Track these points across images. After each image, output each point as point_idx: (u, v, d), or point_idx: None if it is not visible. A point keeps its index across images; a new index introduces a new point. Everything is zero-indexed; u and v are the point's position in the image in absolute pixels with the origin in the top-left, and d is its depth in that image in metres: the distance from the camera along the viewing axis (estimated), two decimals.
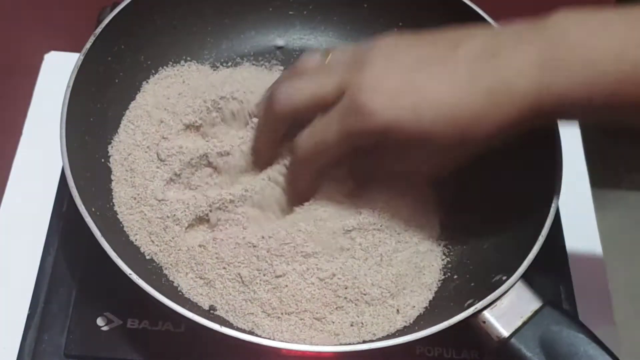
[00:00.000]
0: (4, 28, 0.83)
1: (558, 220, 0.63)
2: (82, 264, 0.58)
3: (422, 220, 0.57)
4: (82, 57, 0.57)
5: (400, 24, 0.68)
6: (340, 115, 0.50)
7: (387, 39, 0.52)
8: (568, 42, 0.46)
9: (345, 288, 0.53)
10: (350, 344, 0.51)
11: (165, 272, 0.54)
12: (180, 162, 0.57)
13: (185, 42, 0.66)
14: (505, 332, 0.48)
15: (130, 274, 0.48)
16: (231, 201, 0.55)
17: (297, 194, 0.56)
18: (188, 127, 0.58)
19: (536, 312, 0.49)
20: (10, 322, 0.57)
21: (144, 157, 0.58)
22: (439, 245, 0.57)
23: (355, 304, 0.53)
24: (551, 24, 0.47)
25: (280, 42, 0.69)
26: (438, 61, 0.49)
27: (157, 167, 0.57)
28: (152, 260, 0.55)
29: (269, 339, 0.50)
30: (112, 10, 0.61)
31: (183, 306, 0.48)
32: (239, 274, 0.53)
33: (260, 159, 0.57)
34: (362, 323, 0.52)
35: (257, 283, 0.52)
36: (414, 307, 0.54)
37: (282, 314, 0.52)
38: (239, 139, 0.57)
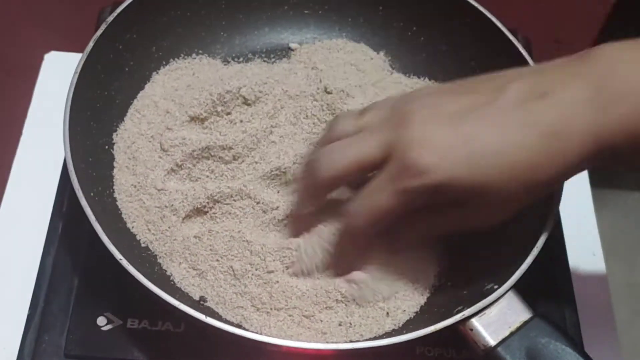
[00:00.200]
0: (4, 28, 0.84)
1: (558, 220, 0.63)
2: (82, 264, 0.58)
3: None
4: (92, 44, 0.58)
5: (414, 27, 0.68)
6: (392, 177, 0.47)
7: (424, 90, 0.49)
8: (619, 75, 0.44)
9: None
10: (336, 342, 0.51)
11: (159, 260, 0.55)
12: (183, 153, 0.57)
13: (198, 35, 0.67)
14: (491, 341, 0.48)
15: (120, 259, 0.49)
16: (229, 195, 0.56)
17: (347, 262, 0.53)
18: (193, 119, 0.59)
19: (525, 323, 0.48)
20: (10, 322, 0.57)
21: (147, 147, 0.58)
22: (435, 251, 0.57)
23: (346, 305, 0.53)
24: (597, 57, 0.45)
25: (293, 40, 0.70)
26: (484, 108, 0.46)
27: (160, 157, 0.58)
28: (147, 248, 0.55)
29: (257, 333, 0.50)
30: (112, 10, 0.61)
31: (173, 295, 0.48)
32: (231, 266, 0.53)
33: (300, 225, 0.54)
34: (351, 323, 0.52)
35: (248, 277, 0.53)
36: (405, 311, 0.53)
37: (271, 309, 0.52)
38: (242, 133, 0.57)
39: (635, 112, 0.43)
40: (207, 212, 0.56)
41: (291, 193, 0.56)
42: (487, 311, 0.49)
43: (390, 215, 0.48)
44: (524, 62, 0.60)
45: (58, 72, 0.61)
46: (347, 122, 0.51)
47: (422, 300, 0.54)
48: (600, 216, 0.68)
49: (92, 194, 0.53)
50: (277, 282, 0.52)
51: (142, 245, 0.55)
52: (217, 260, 0.54)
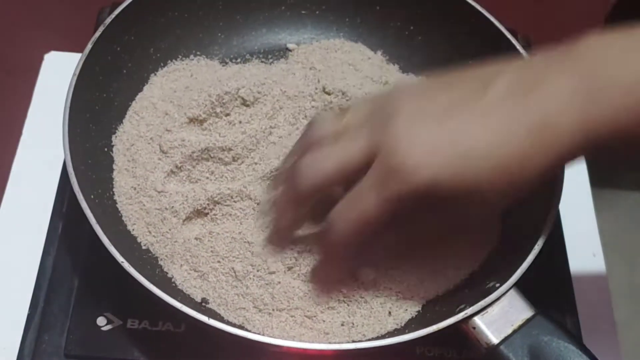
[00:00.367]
0: (4, 28, 0.84)
1: (558, 220, 0.63)
2: (82, 264, 0.58)
3: None
4: (90, 46, 0.58)
5: (411, 27, 0.68)
6: (377, 180, 0.45)
7: (406, 87, 0.47)
8: (605, 66, 0.43)
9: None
10: (339, 343, 0.51)
11: (161, 263, 0.55)
12: (182, 154, 0.57)
13: (196, 36, 0.67)
14: (494, 339, 0.48)
15: (122, 262, 0.48)
16: (230, 196, 0.56)
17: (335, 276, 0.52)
18: (192, 120, 0.59)
19: (527, 321, 0.48)
20: (10, 322, 0.57)
21: (147, 149, 0.58)
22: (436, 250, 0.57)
23: (348, 305, 0.53)
24: (584, 49, 0.44)
25: (291, 41, 0.69)
26: (470, 104, 0.44)
27: (159, 159, 0.58)
28: (148, 250, 0.55)
29: (259, 334, 0.50)
30: (111, 10, 0.61)
31: (175, 298, 0.48)
32: (232, 268, 0.53)
33: (283, 238, 0.53)
34: (353, 323, 0.52)
35: (250, 278, 0.53)
36: (407, 310, 0.53)
37: (273, 310, 0.52)
38: (241, 134, 0.57)
39: (624, 103, 0.42)
40: (208, 213, 0.56)
41: (269, 204, 0.54)
42: (489, 309, 0.49)
43: (376, 222, 0.46)
44: None
45: (58, 72, 0.60)
46: (326, 125, 0.49)
47: (423, 299, 0.54)
48: (600, 216, 0.68)
49: (92, 197, 0.53)
50: (279, 282, 0.52)
51: (143, 247, 0.55)
52: (219, 261, 0.54)
